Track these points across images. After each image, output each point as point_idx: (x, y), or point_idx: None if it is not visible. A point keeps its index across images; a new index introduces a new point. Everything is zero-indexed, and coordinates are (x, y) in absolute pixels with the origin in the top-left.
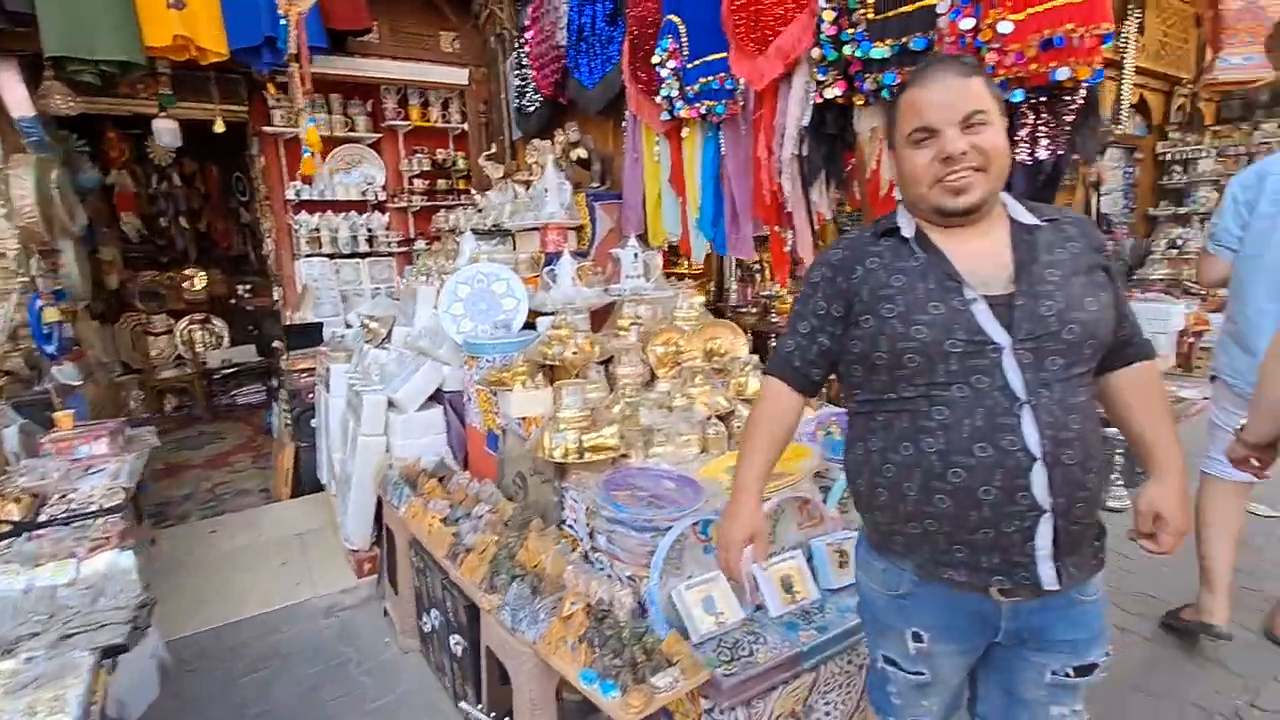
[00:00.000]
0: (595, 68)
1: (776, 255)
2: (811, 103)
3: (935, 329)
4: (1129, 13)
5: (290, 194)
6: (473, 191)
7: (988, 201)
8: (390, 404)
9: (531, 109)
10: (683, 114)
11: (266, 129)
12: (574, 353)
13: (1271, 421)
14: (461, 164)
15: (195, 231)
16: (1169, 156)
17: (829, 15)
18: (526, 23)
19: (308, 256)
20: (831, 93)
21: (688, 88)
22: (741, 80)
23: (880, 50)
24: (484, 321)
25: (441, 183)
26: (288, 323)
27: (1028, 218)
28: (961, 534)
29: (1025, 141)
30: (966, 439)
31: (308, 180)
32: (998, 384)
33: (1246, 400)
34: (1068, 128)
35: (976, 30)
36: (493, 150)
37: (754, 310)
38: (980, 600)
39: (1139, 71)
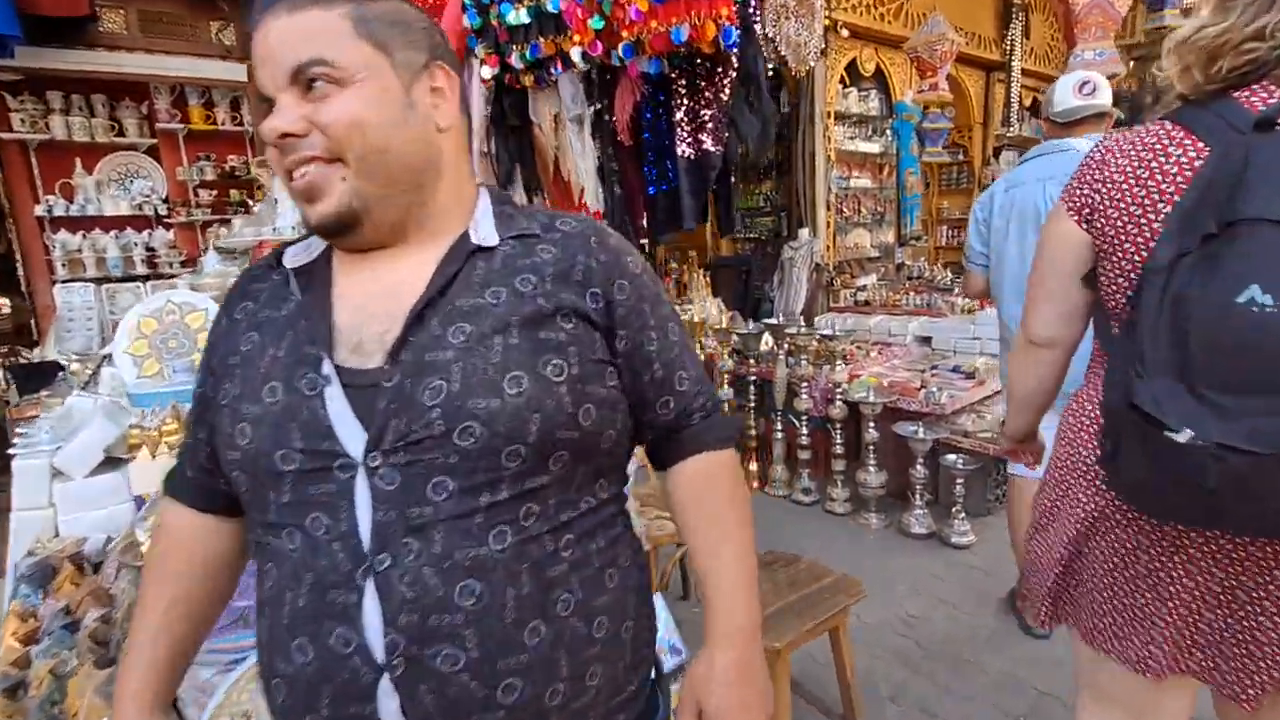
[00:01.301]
0: None
1: None
2: (482, 88)
3: (264, 429)
4: (1014, 16)
5: (41, 210)
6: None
7: (375, 211)
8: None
9: None
10: None
11: (5, 135)
12: None
13: (1019, 414)
14: (256, 171)
15: None
16: None
17: None
18: None
19: (65, 281)
20: (487, 72)
21: None
22: None
23: (518, 15)
24: (173, 361)
25: (235, 193)
26: (22, 361)
27: (487, 234)
28: None
29: (688, 128)
30: (286, 629)
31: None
32: (341, 529)
33: None
34: (727, 112)
35: None
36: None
37: None
38: None
39: (1028, 74)
